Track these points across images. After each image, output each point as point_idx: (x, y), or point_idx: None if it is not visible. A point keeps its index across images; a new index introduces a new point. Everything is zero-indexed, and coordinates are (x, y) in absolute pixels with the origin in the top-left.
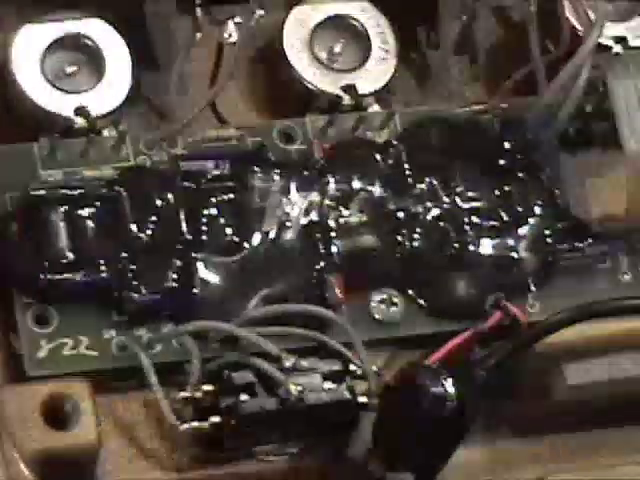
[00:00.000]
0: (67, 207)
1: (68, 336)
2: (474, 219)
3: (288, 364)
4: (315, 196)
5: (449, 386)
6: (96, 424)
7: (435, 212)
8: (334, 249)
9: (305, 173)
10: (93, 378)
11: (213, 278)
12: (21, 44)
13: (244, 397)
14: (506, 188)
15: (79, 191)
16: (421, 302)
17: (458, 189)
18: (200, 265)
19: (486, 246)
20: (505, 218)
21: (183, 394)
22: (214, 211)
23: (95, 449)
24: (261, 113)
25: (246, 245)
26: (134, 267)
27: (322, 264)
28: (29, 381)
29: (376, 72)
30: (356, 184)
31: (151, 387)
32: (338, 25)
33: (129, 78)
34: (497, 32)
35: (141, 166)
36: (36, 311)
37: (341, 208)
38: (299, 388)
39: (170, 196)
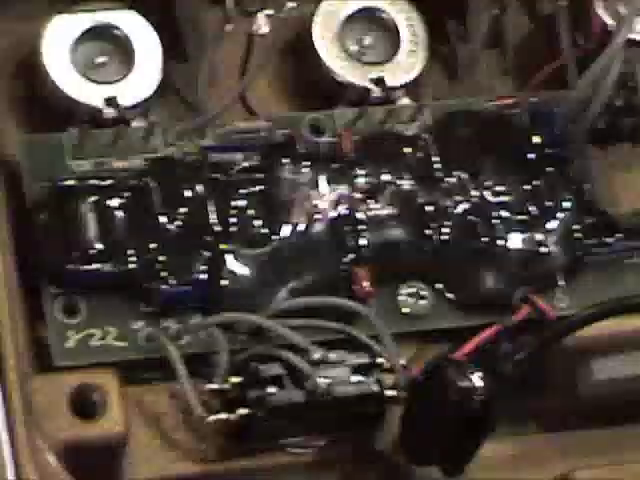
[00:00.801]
0: (96, 197)
1: (96, 327)
2: (502, 213)
3: (316, 356)
4: (344, 189)
5: (477, 380)
6: (124, 415)
7: (464, 206)
8: (362, 242)
9: (334, 165)
10: (121, 369)
11: (241, 270)
12: (52, 34)
13: (272, 389)
14: (534, 182)
15: (108, 181)
16: (449, 296)
17: (486, 183)
18: (228, 257)
19: (514, 240)
20: (533, 212)
21: (211, 386)
22: (242, 203)
23: (123, 440)
24: (290, 105)
25: (274, 237)
26: (162, 258)
27: (350, 257)
28: (57, 371)
29: (406, 65)
30: (385, 177)
31: (179, 378)
32: (368, 18)
33: (159, 69)
34: (527, 26)
35: (170, 157)
36: (64, 301)
37: (370, 201)
38: (327, 381)
39: (199, 187)
